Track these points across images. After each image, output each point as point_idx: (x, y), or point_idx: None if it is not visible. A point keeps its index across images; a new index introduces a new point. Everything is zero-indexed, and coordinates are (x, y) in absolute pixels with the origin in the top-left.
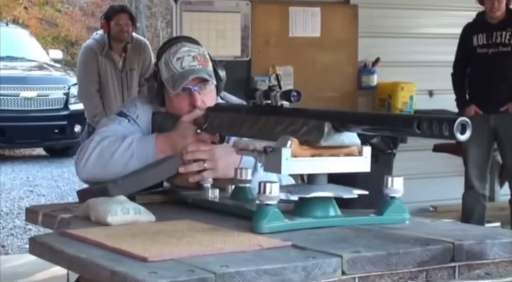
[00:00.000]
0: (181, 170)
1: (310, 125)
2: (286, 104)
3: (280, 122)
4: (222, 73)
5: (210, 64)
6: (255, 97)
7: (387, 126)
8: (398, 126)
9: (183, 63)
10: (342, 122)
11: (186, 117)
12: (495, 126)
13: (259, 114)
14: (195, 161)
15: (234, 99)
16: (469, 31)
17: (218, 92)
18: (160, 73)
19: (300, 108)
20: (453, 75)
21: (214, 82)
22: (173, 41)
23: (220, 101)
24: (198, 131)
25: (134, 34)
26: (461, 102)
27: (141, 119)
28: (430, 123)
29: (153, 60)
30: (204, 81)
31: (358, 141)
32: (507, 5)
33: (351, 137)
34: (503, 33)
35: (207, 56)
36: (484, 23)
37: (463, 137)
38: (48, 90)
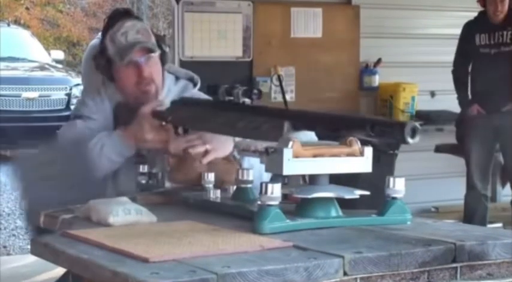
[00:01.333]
0: (191, 150)
1: (271, 123)
2: (247, 101)
3: (241, 118)
4: (165, 46)
5: (152, 37)
6: (217, 93)
7: (342, 127)
8: (353, 128)
9: (127, 36)
10: (299, 122)
11: (144, 108)
12: (498, 126)
13: (222, 109)
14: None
15: (179, 69)
16: (471, 30)
17: (163, 64)
18: (106, 49)
19: (261, 105)
20: (453, 72)
21: (158, 52)
22: (115, 19)
23: (167, 74)
24: (163, 123)
25: None
26: (463, 101)
27: (94, 112)
28: (383, 127)
29: None
30: (149, 52)
31: (315, 139)
32: (509, 5)
33: (308, 135)
34: (505, 33)
35: (149, 30)
36: (486, 23)
37: (412, 141)
38: (50, 91)
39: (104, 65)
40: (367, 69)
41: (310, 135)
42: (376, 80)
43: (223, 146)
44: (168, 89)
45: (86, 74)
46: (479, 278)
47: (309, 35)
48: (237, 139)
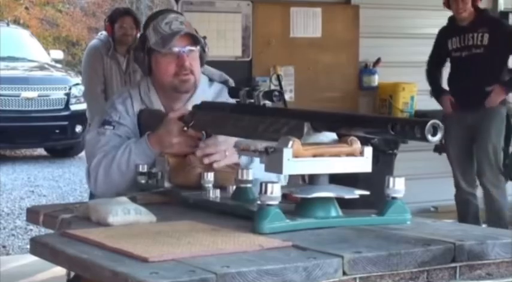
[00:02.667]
0: (206, 160)
1: (291, 124)
2: (268, 103)
3: (262, 121)
4: (206, 47)
5: (195, 32)
6: (238, 96)
7: (363, 127)
8: (373, 128)
9: (171, 26)
10: (319, 122)
11: (172, 114)
12: (472, 125)
13: (242, 113)
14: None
15: (214, 71)
16: (443, 35)
17: (201, 65)
18: (147, 40)
19: (281, 107)
20: (427, 71)
21: (202, 43)
22: (160, 12)
23: (202, 75)
24: (185, 128)
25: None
26: (436, 91)
27: (124, 117)
28: (403, 125)
29: None
30: (192, 41)
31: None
32: (475, 5)
33: (330, 137)
34: (475, 34)
35: (192, 26)
36: (456, 27)
37: (434, 139)
38: (49, 91)
39: (143, 57)
40: (367, 69)
41: (332, 137)
42: (376, 80)
43: (233, 154)
44: (203, 91)
45: (86, 74)
46: (479, 278)
47: (309, 34)
48: (237, 139)
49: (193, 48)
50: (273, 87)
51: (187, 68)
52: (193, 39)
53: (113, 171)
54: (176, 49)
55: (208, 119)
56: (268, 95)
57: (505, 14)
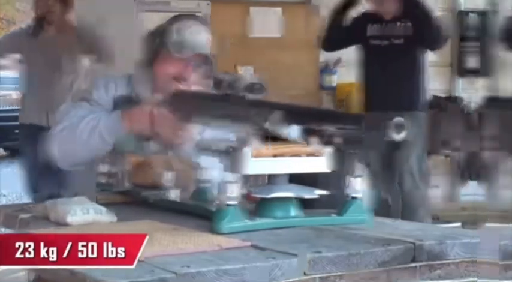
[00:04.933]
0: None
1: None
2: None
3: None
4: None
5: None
6: (221, 88)
7: (332, 123)
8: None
9: (195, 37)
10: (291, 113)
11: (151, 97)
12: None
13: (217, 100)
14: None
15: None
16: (363, 18)
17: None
18: (166, 35)
19: (259, 100)
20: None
21: (211, 65)
22: (192, 17)
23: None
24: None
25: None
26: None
27: (103, 99)
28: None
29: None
30: (205, 62)
31: (300, 137)
32: None
33: (297, 132)
34: (398, 23)
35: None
36: (378, 13)
37: (399, 137)
38: None
39: (154, 47)
40: (327, 69)
41: (298, 132)
42: (335, 80)
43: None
44: None
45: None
46: (439, 278)
47: (269, 34)
48: (199, 137)
49: (202, 65)
50: None
51: (187, 79)
52: (206, 58)
53: (75, 138)
54: (186, 57)
55: (184, 107)
56: (249, 87)
57: (465, 14)
